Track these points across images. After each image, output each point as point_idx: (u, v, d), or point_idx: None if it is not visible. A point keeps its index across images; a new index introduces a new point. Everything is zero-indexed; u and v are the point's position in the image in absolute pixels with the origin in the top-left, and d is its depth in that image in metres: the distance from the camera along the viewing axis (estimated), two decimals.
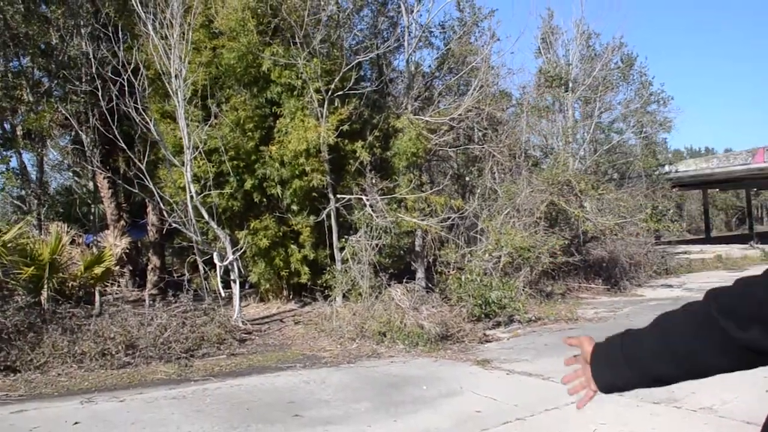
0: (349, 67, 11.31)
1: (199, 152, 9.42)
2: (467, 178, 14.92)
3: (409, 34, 12.73)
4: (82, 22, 11.46)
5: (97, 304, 10.12)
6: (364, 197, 10.88)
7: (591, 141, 20.51)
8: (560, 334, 9.43)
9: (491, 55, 14.72)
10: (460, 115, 12.81)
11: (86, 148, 10.94)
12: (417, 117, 12.20)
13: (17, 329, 8.66)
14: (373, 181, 11.20)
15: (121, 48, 9.82)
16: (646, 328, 1.43)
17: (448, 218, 11.59)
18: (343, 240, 11.05)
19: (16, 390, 7.67)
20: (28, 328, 8.75)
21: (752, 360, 1.23)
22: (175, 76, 9.57)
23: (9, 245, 9.03)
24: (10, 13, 10.92)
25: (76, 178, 12.85)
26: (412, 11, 12.87)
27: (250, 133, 10.86)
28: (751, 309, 1.17)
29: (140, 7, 9.84)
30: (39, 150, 11.22)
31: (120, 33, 10.05)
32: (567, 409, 5.83)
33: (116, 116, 9.67)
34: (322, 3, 11.67)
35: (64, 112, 10.48)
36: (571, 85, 19.05)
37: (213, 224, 9.40)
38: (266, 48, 11.12)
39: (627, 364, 1.43)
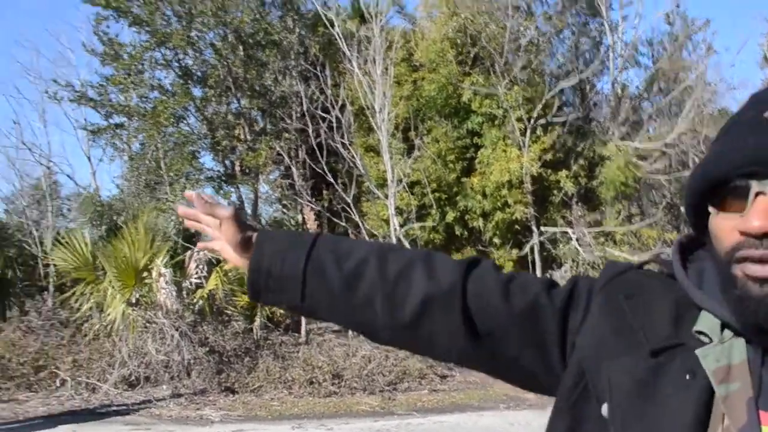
0: (551, 93, 10.87)
1: (402, 185, 9.51)
2: (682, 209, 13.62)
3: (614, 54, 11.99)
4: (292, 63, 12.20)
5: (303, 332, 10.53)
6: (569, 230, 10.29)
7: None
8: None
9: (707, 70, 13.40)
10: (673, 139, 11.74)
11: (295, 182, 11.57)
12: (624, 143, 11.38)
13: (235, 353, 9.22)
14: (579, 213, 10.59)
15: (328, 85, 10.25)
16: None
17: (661, 253, 10.60)
18: (548, 275, 10.53)
19: (234, 410, 8.10)
20: (245, 353, 9.28)
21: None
22: (379, 110, 9.77)
23: (229, 274, 9.68)
24: (231, 60, 11.92)
25: (284, 211, 13.68)
26: (617, 29, 12.12)
27: (451, 165, 10.83)
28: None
29: (345, 46, 10.22)
30: (254, 184, 12.07)
31: (326, 71, 10.53)
32: None
33: (324, 151, 10.08)
34: (522, 28, 11.37)
35: (277, 149, 11.17)
36: None
37: None
38: (466, 78, 11.05)
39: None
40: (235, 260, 1.16)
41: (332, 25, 10.49)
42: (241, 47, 12.09)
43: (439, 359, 1.12)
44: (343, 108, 9.90)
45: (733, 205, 0.80)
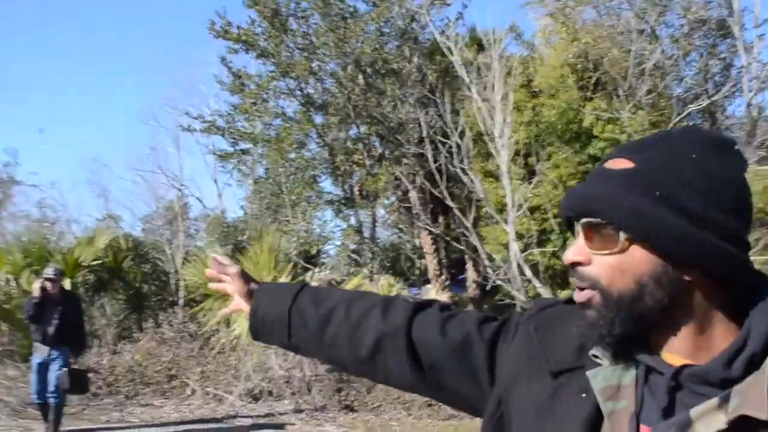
0: (678, 118, 10.44)
1: (523, 210, 9.40)
2: None
3: (748, 75, 11.36)
4: (409, 91, 12.44)
5: None
6: None
7: None
8: None
9: None
10: None
11: (413, 207, 11.72)
12: (762, 167, 10.70)
13: None
14: None
15: (447, 111, 10.36)
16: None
17: None
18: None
19: (354, 428, 8.23)
20: None
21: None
22: (498, 136, 9.74)
23: None
24: (351, 88, 12.32)
25: (400, 235, 13.84)
26: (751, 49, 11.49)
27: None
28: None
29: (464, 73, 10.30)
30: (372, 208, 12.33)
31: (444, 98, 10.64)
32: None
33: (443, 176, 10.16)
34: (647, 52, 11.03)
35: (397, 174, 11.40)
36: None
37: (536, 282, 9.24)
38: (587, 103, 10.83)
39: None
40: (244, 307, 1.41)
41: (450, 53, 10.61)
42: (360, 76, 12.48)
43: (397, 388, 1.35)
44: (462, 134, 9.95)
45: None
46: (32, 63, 36.45)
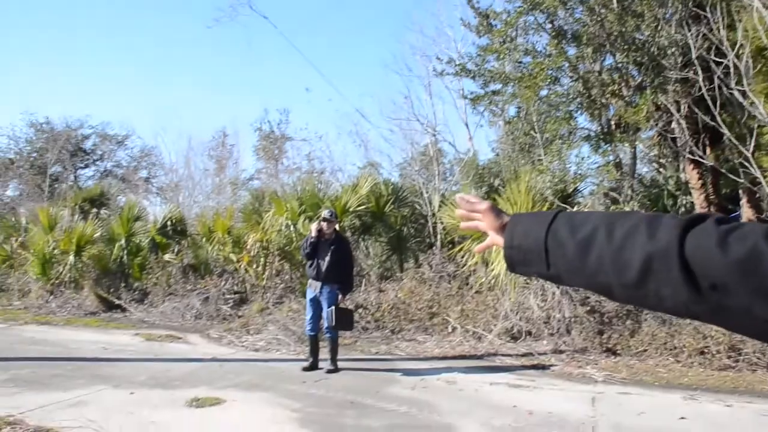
0: None
1: None
2: None
3: None
4: (672, 9, 11.25)
5: None
6: None
7: None
8: None
9: None
10: None
11: (677, 138, 10.71)
12: None
13: (617, 315, 9.03)
14: None
15: (722, 26, 9.19)
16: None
17: None
18: None
19: (618, 372, 7.97)
20: (626, 315, 9.03)
21: None
22: None
23: None
24: (605, 14, 11.48)
25: (661, 170, 12.80)
26: None
27: None
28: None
29: None
30: (632, 142, 11.53)
31: (716, 11, 9.43)
32: None
33: (716, 102, 9.12)
34: None
35: (660, 102, 10.49)
36: None
37: None
38: None
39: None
40: (498, 241, 1.40)
41: None
42: (614, 0, 11.57)
43: (670, 313, 1.17)
44: (740, 51, 8.77)
45: None
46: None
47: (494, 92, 13.69)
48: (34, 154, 28.17)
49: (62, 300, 14.36)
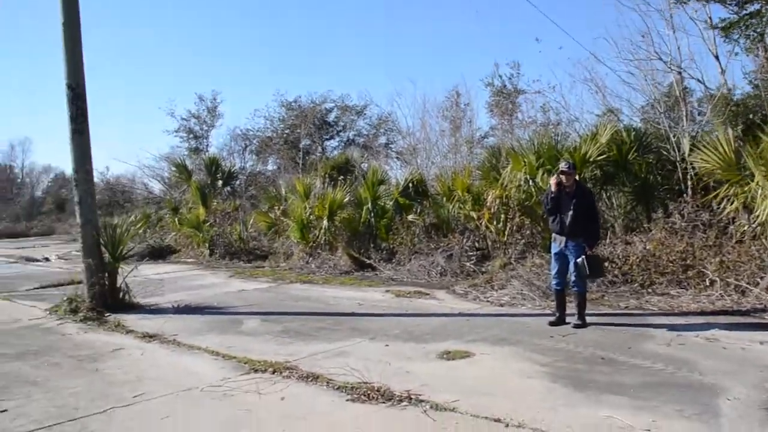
0: None
1: None
2: None
3: None
4: None
5: None
6: None
7: None
8: None
9: None
10: None
11: None
12: None
13: None
14: None
15: None
16: None
17: None
18: None
19: None
20: None
21: None
22: None
23: None
24: None
25: None
26: None
27: None
28: None
29: None
30: None
31: None
32: None
33: None
34: None
35: None
36: None
37: None
38: None
39: None
40: None
41: None
42: None
43: None
44: None
45: None
46: None
47: (751, 14, 12.06)
48: (287, 131, 31.14)
49: (320, 261, 15.84)
